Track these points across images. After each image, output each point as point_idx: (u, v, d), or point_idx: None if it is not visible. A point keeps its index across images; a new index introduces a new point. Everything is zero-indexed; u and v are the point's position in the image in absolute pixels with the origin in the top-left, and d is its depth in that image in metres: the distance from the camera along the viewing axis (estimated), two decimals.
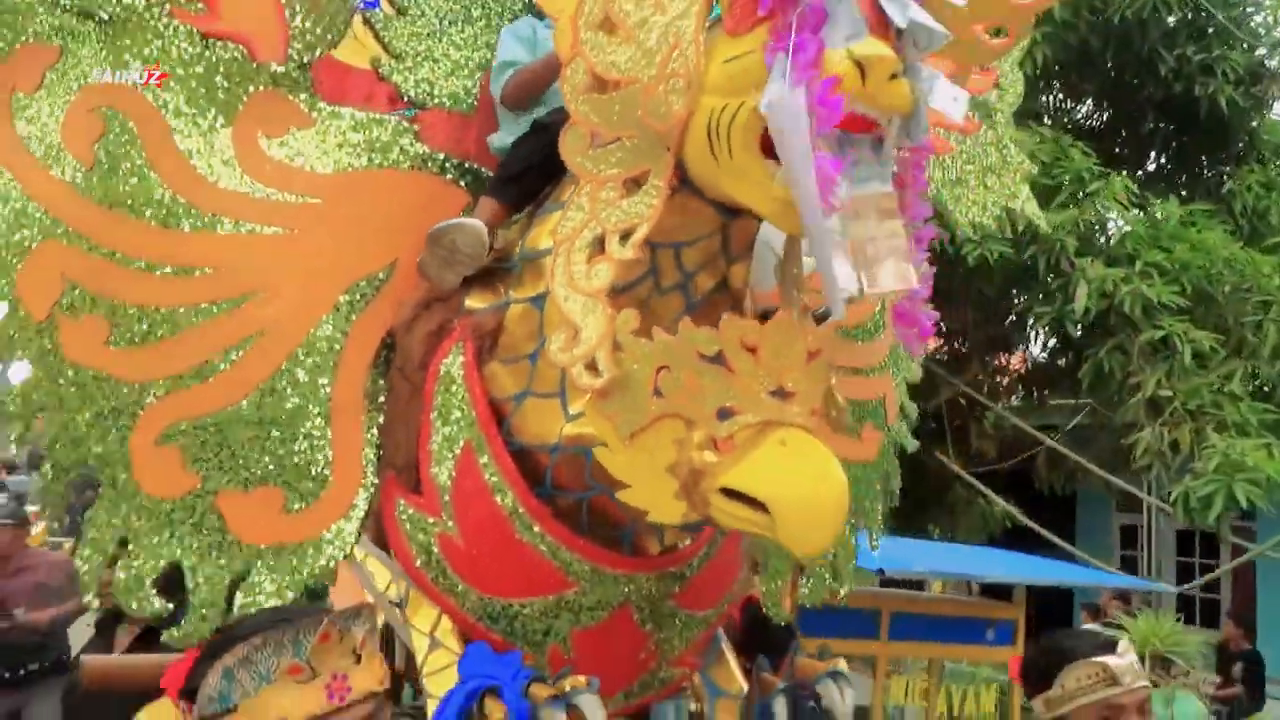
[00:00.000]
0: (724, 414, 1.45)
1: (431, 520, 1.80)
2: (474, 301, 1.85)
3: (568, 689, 1.58)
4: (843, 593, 2.48)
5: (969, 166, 2.60)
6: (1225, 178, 6.87)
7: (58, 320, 1.78)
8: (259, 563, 1.81)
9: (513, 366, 1.78)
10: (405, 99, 2.14)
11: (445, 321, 1.85)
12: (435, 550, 1.80)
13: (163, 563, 1.79)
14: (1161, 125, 7.02)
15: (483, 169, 2.12)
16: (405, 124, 1.99)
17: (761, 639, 2.56)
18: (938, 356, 6.43)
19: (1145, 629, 3.80)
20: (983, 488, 6.89)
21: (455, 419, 1.80)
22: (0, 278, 1.77)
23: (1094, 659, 1.57)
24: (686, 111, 1.43)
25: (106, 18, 1.82)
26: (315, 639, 1.19)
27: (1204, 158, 7.17)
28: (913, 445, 2.62)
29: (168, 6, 1.85)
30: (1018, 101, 2.75)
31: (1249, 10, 6.75)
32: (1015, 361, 8.06)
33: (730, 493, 1.43)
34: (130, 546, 1.81)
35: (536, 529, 1.74)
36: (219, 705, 1.19)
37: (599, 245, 1.51)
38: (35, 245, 1.79)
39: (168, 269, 1.81)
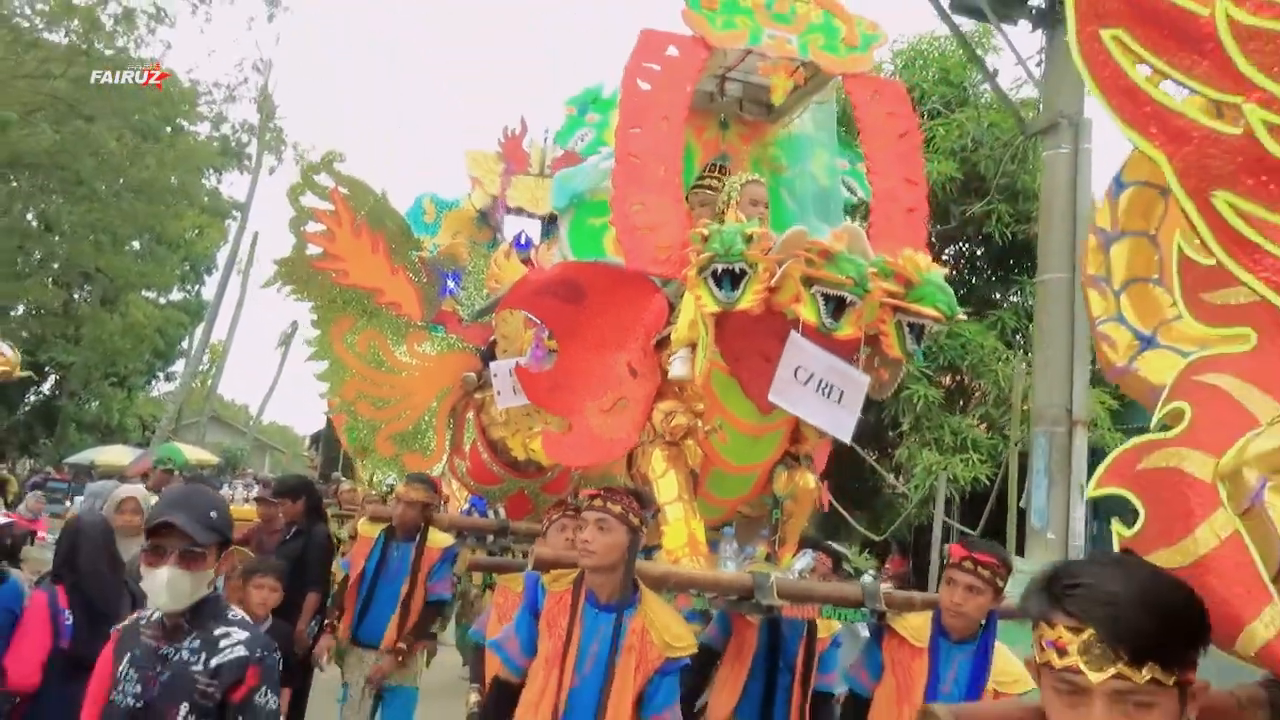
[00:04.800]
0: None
1: (460, 462, 5.87)
2: (477, 394, 5.90)
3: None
4: None
5: None
6: None
7: (355, 400, 5.93)
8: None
9: (488, 415, 5.82)
10: (463, 319, 6.27)
11: (470, 400, 5.92)
12: (462, 471, 5.87)
13: (386, 480, 5.93)
14: None
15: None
16: (458, 337, 6.07)
17: None
18: None
19: None
20: None
21: (469, 430, 5.87)
22: (336, 390, 5.94)
23: None
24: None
25: (369, 311, 5.98)
26: None
27: None
28: None
29: (380, 302, 5.99)
30: None
31: None
32: None
33: None
34: (372, 474, 5.97)
35: (494, 466, 5.77)
36: None
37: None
38: (345, 379, 5.95)
39: (385, 385, 5.94)
